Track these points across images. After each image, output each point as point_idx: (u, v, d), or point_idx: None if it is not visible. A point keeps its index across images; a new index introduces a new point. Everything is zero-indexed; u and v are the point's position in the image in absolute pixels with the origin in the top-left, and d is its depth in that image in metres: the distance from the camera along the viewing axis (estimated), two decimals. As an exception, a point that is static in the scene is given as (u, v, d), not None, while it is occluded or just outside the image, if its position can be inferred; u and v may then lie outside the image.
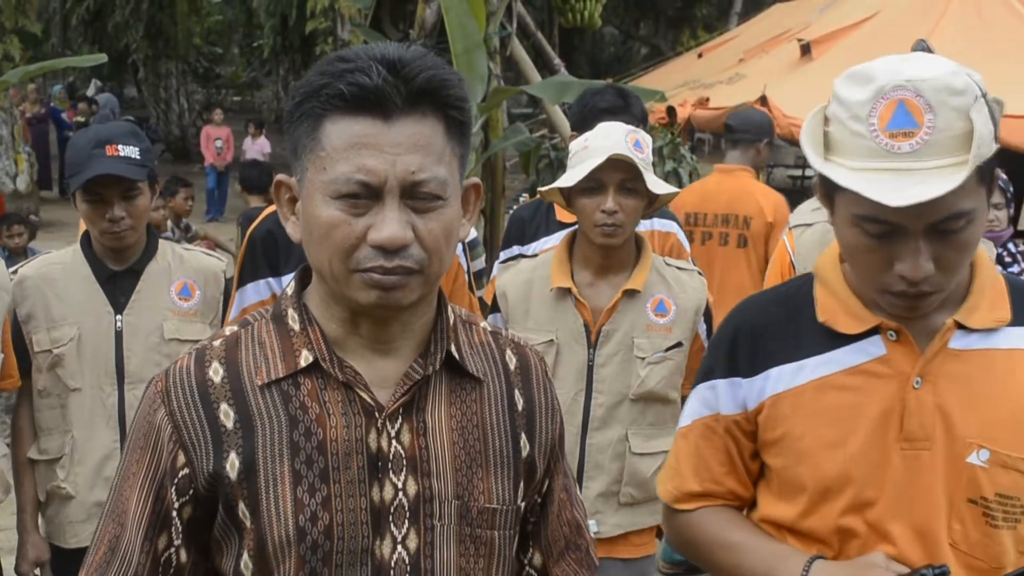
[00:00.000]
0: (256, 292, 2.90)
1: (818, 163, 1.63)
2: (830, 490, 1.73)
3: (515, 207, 9.37)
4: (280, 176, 1.50)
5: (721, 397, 1.86)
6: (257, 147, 16.99)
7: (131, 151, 2.91)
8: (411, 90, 1.35)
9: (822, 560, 1.72)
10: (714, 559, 1.89)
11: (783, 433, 1.78)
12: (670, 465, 1.99)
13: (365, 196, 1.35)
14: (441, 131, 1.39)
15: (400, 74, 1.35)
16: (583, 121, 3.53)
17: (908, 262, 1.59)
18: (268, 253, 2.88)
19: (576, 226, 3.55)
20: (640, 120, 3.65)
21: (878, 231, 1.60)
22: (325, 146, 1.36)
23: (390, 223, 1.35)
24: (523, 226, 3.90)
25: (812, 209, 3.40)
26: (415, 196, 1.37)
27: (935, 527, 1.69)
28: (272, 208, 3.02)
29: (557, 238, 3.63)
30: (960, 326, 1.71)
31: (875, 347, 1.73)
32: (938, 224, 1.56)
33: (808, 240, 3.19)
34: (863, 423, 1.71)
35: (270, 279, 2.89)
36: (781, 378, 1.78)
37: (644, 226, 3.71)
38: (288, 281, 2.81)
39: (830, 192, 1.69)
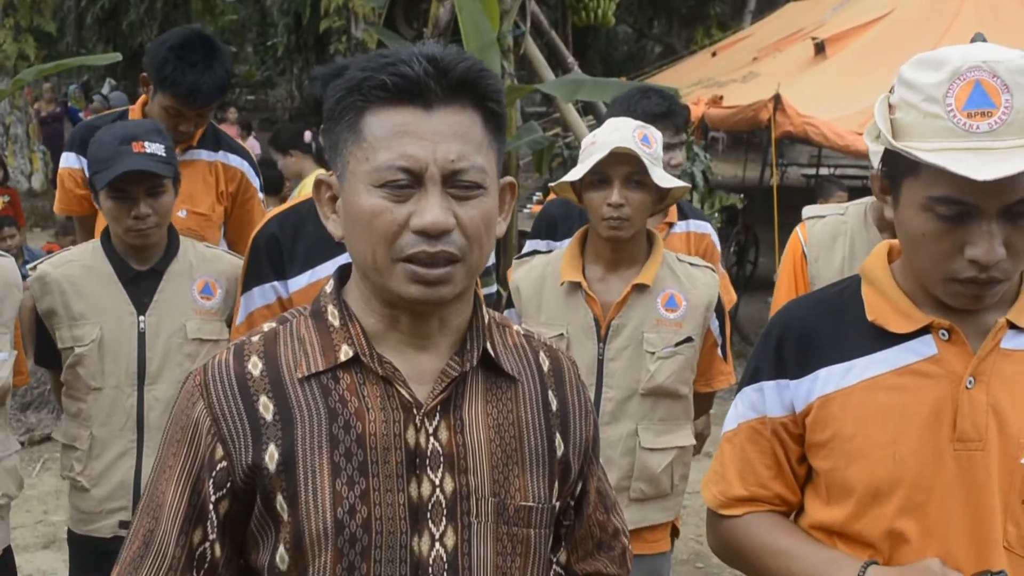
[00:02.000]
0: (262, 296, 2.91)
1: (894, 146, 1.61)
2: (880, 492, 1.71)
3: (528, 206, 9.40)
4: (320, 174, 1.52)
5: (768, 399, 1.84)
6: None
7: (157, 148, 2.95)
8: (450, 80, 1.39)
9: (876, 566, 1.68)
10: (762, 566, 1.85)
11: (832, 435, 1.75)
12: (715, 470, 1.96)
13: (407, 183, 1.38)
14: (480, 123, 1.43)
15: (439, 66, 1.39)
16: None
17: (981, 246, 1.56)
18: (272, 257, 2.89)
19: None
20: (681, 128, 3.67)
21: (952, 213, 1.57)
22: (367, 136, 1.39)
23: (432, 208, 1.37)
24: (554, 223, 3.91)
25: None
26: (455, 184, 1.39)
27: (989, 530, 1.66)
28: (275, 211, 3.04)
29: None
30: (1012, 326, 1.69)
31: (926, 347, 1.70)
32: (1013, 206, 1.55)
33: (820, 231, 3.22)
34: (914, 423, 1.68)
35: (275, 283, 2.89)
36: (830, 379, 1.76)
37: (680, 227, 3.78)
38: (294, 285, 2.85)
39: (895, 180, 1.67)
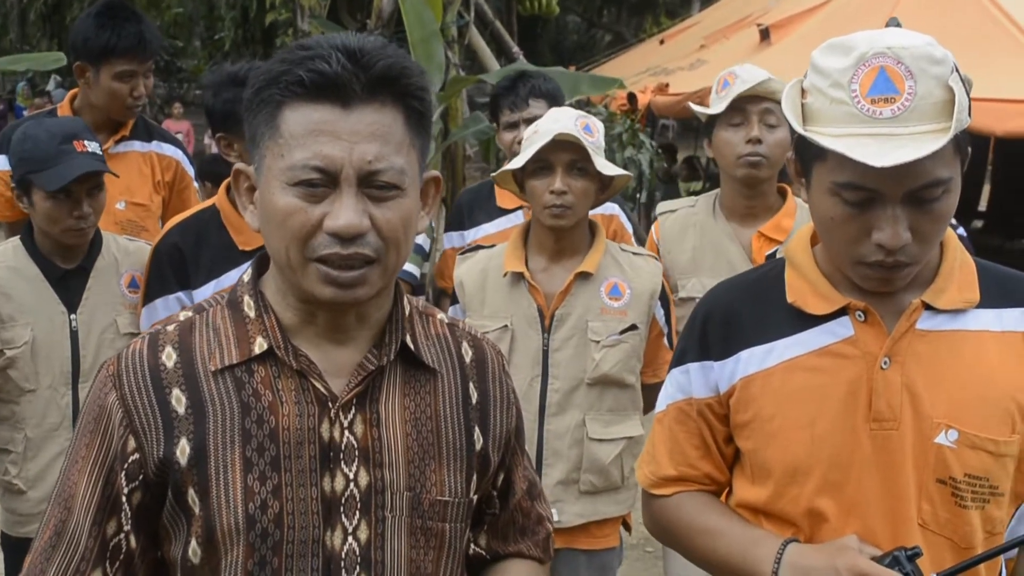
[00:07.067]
0: (166, 308, 2.87)
1: (800, 131, 1.63)
2: (799, 471, 1.74)
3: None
4: (239, 165, 1.50)
5: (694, 381, 1.87)
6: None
7: (95, 146, 2.92)
8: (370, 78, 1.36)
9: (795, 543, 1.72)
10: (691, 544, 1.90)
11: (753, 415, 1.78)
12: (647, 450, 1.99)
13: (322, 183, 1.36)
14: (400, 121, 1.40)
15: (360, 62, 1.36)
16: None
17: (887, 230, 1.59)
18: (176, 268, 2.86)
19: (516, 211, 3.57)
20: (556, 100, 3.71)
21: (857, 198, 1.60)
22: (283, 133, 1.37)
23: (346, 211, 1.35)
24: (461, 211, 3.92)
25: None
26: (372, 185, 1.37)
27: (905, 507, 1.70)
28: (175, 220, 3.00)
29: (498, 225, 3.68)
30: (928, 307, 1.71)
31: (843, 328, 1.73)
32: (917, 191, 1.57)
33: (671, 225, 3.38)
34: (831, 404, 1.71)
35: (180, 294, 2.87)
36: (751, 360, 1.79)
37: None
38: (199, 296, 2.81)
39: (806, 164, 1.70)
